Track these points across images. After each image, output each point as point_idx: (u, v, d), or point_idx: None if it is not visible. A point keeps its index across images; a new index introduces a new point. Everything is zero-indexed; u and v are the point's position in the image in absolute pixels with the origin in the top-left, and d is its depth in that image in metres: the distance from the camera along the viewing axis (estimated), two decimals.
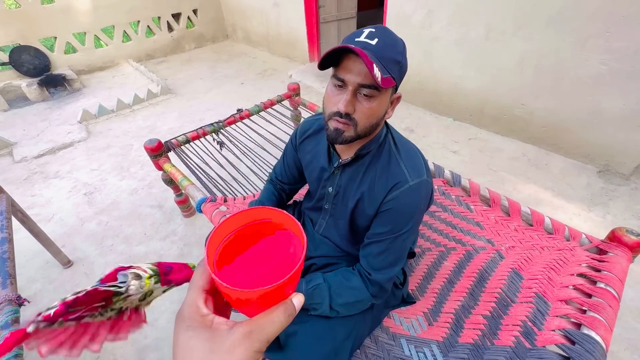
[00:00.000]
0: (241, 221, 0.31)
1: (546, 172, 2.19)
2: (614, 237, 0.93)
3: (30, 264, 1.73)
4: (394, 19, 2.84)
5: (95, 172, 2.45)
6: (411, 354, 0.90)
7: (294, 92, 2.08)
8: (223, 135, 1.83)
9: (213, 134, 1.79)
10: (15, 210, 1.37)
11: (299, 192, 1.55)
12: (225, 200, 1.34)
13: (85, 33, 4.16)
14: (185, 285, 0.32)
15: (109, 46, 4.42)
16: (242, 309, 0.27)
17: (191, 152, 1.72)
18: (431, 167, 1.35)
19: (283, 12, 4.09)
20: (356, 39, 0.61)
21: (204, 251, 0.27)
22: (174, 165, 1.53)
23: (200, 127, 1.76)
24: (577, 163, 2.24)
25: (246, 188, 1.67)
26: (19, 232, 1.67)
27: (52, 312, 0.27)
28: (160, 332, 1.39)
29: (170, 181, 1.70)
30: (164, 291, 0.33)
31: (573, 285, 0.88)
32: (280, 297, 0.26)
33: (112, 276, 0.30)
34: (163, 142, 1.60)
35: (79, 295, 0.28)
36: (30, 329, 0.26)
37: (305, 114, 2.16)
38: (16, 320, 0.86)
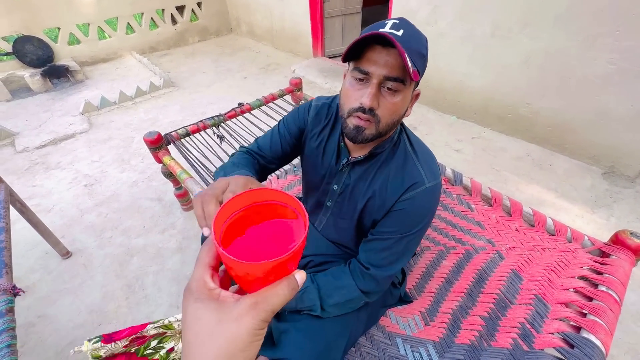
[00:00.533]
0: (245, 202, 0.32)
1: (550, 172, 2.16)
2: (617, 240, 0.91)
3: (30, 254, 1.74)
4: (399, 14, 2.80)
5: (96, 164, 2.45)
6: (406, 354, 0.89)
7: (296, 87, 2.06)
8: (223, 129, 1.82)
9: (213, 127, 1.78)
10: (14, 200, 1.36)
11: (297, 187, 1.54)
12: None
13: (89, 24, 4.15)
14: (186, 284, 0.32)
15: (112, 38, 4.41)
16: (246, 285, 0.28)
17: (191, 145, 1.71)
18: None
19: (287, 6, 4.05)
20: (381, 30, 0.57)
21: (211, 229, 0.28)
22: (173, 158, 1.52)
23: (201, 121, 1.75)
24: (582, 164, 2.20)
25: None
26: (19, 223, 1.68)
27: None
28: None
29: (169, 174, 1.69)
30: None
31: (574, 288, 0.87)
32: (283, 273, 0.27)
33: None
34: (163, 134, 1.59)
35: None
36: None
37: None
38: (10, 310, 0.85)
